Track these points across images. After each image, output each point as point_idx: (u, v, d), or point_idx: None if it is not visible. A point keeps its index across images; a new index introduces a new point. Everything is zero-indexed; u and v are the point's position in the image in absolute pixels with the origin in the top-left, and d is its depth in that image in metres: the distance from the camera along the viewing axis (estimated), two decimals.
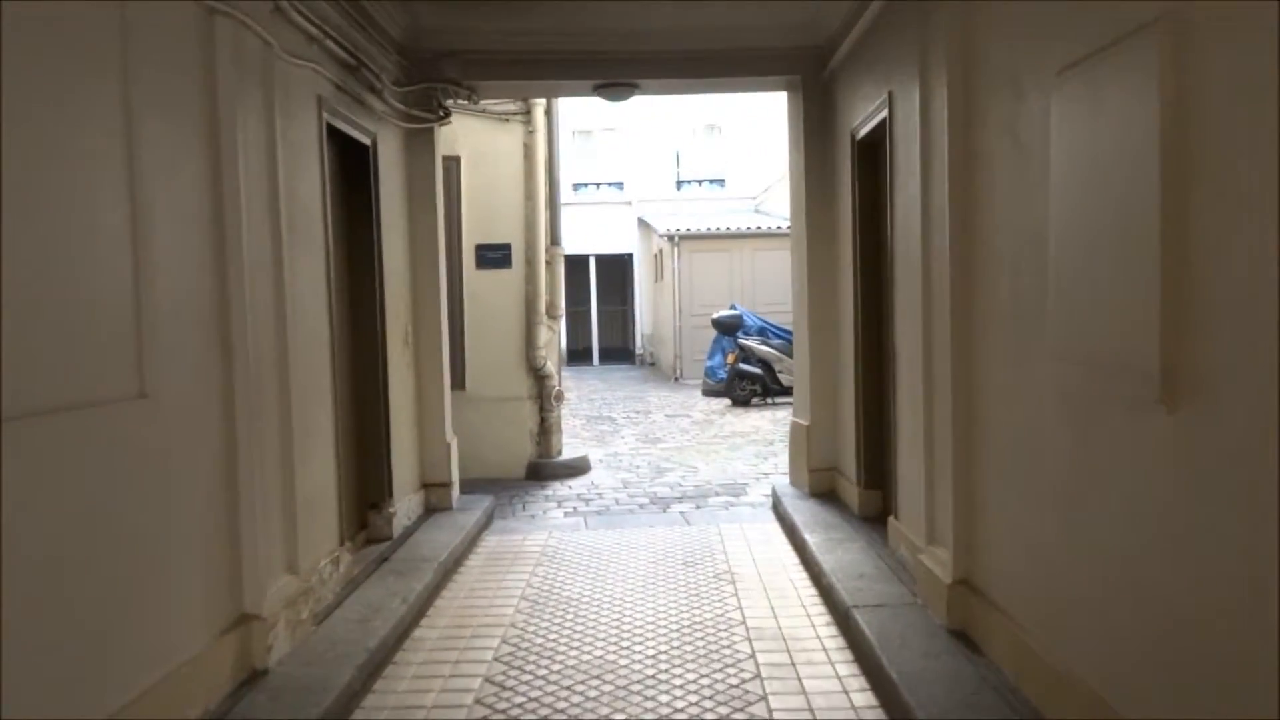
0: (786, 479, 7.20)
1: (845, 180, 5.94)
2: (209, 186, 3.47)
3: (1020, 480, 3.37)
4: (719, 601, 4.83)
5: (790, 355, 14.54)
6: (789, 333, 15.81)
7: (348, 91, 5.08)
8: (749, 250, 18.18)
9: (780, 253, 18.12)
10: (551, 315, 8.44)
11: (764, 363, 13.89)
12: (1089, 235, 2.76)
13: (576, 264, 23.20)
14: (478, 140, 8.19)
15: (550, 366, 8.36)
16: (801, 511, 6.04)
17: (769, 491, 7.44)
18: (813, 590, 4.93)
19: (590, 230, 22.85)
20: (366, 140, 5.35)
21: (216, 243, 3.50)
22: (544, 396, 8.37)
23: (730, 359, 14.02)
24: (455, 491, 6.60)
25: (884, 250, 5.47)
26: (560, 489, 7.91)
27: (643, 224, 21.90)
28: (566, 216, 22.55)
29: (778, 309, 17.16)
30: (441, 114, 6.39)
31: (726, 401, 14.05)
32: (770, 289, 17.85)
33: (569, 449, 9.34)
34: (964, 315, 3.84)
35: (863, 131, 5.53)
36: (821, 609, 4.65)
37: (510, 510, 7.10)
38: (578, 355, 23.92)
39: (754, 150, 22.41)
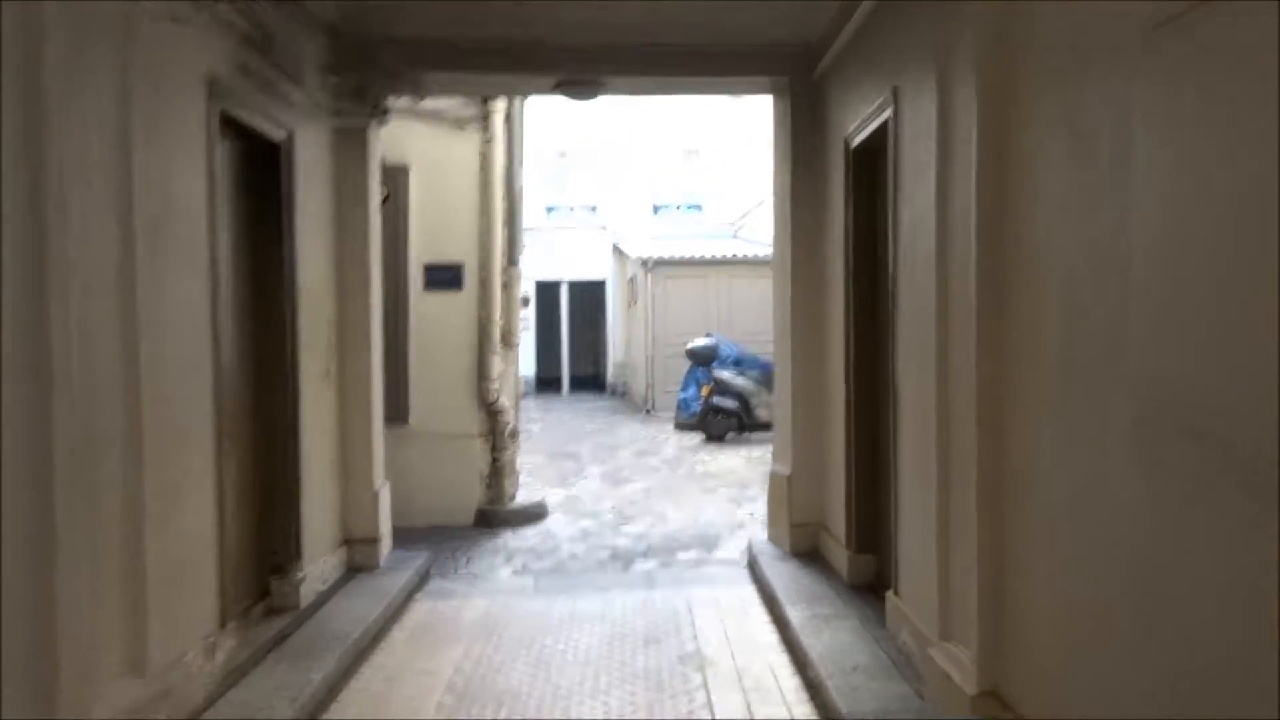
0: (764, 534, 6.38)
1: (837, 194, 5.19)
2: (23, 176, 2.63)
3: (1077, 567, 2.58)
4: (685, 696, 3.99)
5: (769, 388, 13.78)
6: (768, 364, 15.09)
7: (255, 76, 4.26)
8: (726, 278, 17.45)
9: (759, 280, 17.42)
10: (507, 343, 7.61)
11: (740, 396, 13.11)
12: (1203, 256, 1.99)
13: (548, 290, 22.41)
14: (428, 148, 7.39)
15: (504, 400, 7.52)
16: (782, 576, 5.22)
17: (745, 547, 6.63)
18: (796, 681, 4.10)
19: (563, 255, 22.07)
20: (279, 136, 4.53)
21: (31, 249, 2.66)
22: (497, 434, 7.52)
23: (705, 391, 13.23)
24: (385, 547, 5.72)
25: (882, 272, 4.71)
26: (511, 539, 7.04)
27: (617, 250, 21.17)
28: (538, 241, 21.83)
29: (756, 339, 16.41)
30: (379, 111, 5.58)
31: (700, 436, 13.24)
32: (748, 318, 17.12)
33: (526, 491, 8.48)
34: (994, 349, 3.06)
35: (859, 138, 4.78)
36: (809, 711, 3.81)
37: (451, 566, 6.23)
38: (547, 384, 23.05)
39: (733, 176, 21.77)
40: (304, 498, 4.69)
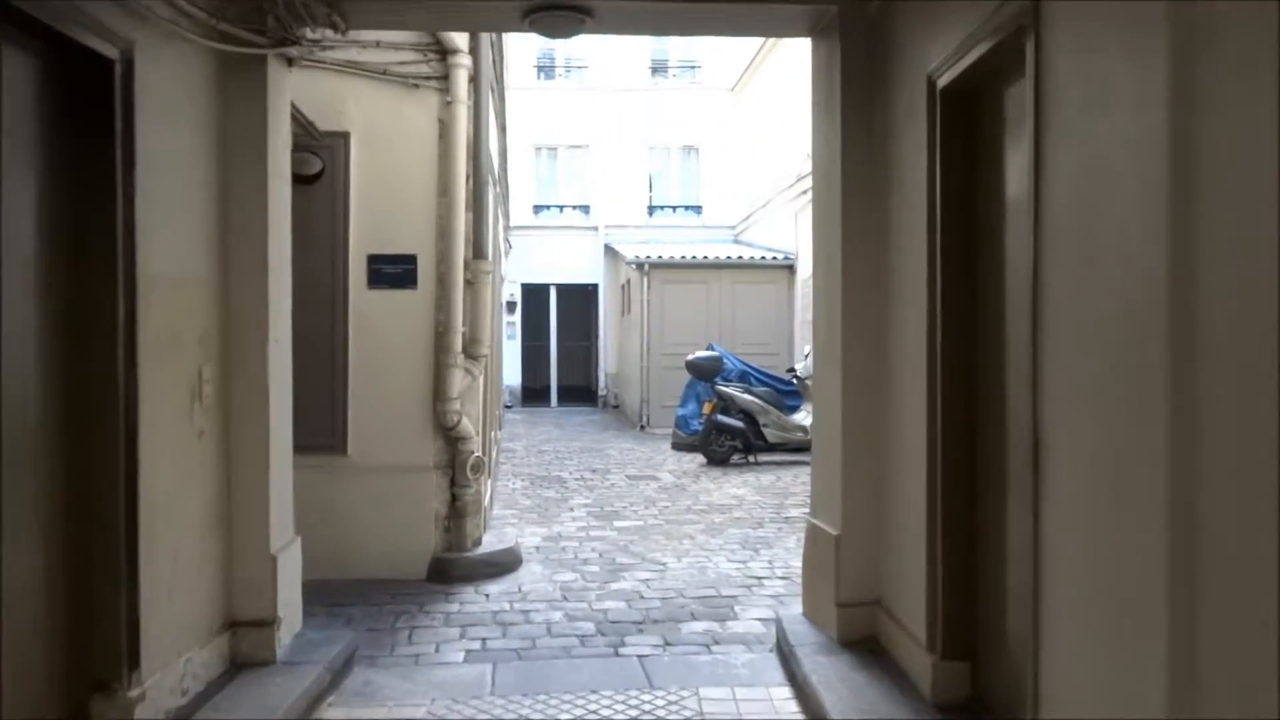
0: (797, 606, 4.93)
1: (913, 157, 3.77)
2: None
3: None
4: None
5: (778, 407, 12.39)
6: (776, 379, 13.63)
7: None
8: (729, 283, 16.04)
9: (765, 286, 16.04)
10: (471, 354, 6.16)
11: (747, 414, 11.67)
12: None
13: (535, 294, 21.00)
14: (375, 113, 5.96)
15: (467, 425, 6.06)
16: (831, 683, 3.77)
17: (768, 617, 5.19)
18: None
19: (552, 257, 20.67)
20: (110, 51, 3.08)
21: None
22: (457, 466, 6.07)
23: (707, 409, 11.79)
24: (289, 629, 4.24)
25: (991, 262, 3.29)
26: (472, 600, 5.58)
27: (610, 251, 19.75)
28: (526, 242, 20.49)
29: (760, 352, 15.04)
30: (288, 43, 4.13)
31: (701, 459, 11.79)
32: (753, 328, 15.73)
33: (496, 530, 7.04)
34: None
35: (952, 73, 3.37)
36: None
37: (387, 644, 4.77)
38: (534, 394, 21.60)
39: (735, 175, 20.39)
40: (146, 576, 3.22)
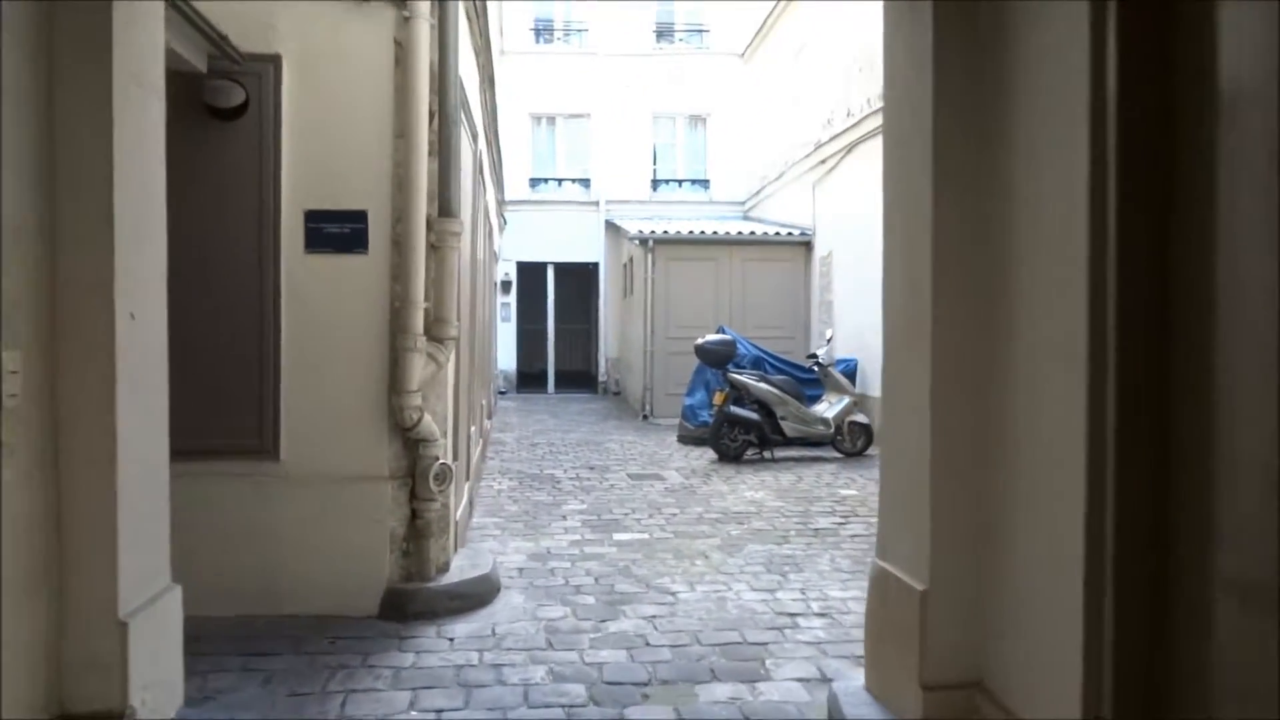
0: (846, 662, 3.75)
1: (1060, 47, 2.54)
2: None
3: None
4: None
5: (797, 397, 11.15)
6: (794, 366, 12.39)
7: None
8: (740, 261, 14.81)
9: (779, 265, 14.79)
10: (436, 336, 4.96)
11: (762, 405, 10.47)
12: None
13: (532, 273, 19.78)
14: (313, 29, 4.75)
15: (430, 425, 4.86)
16: None
17: (811, 676, 4.03)
18: None
19: (549, 234, 19.44)
20: None
21: None
22: (418, 476, 4.87)
23: (719, 399, 10.58)
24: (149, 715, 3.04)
25: (1202, 199, 2.09)
26: (432, 647, 4.40)
27: (611, 227, 18.52)
28: (522, 218, 19.26)
29: (774, 336, 13.85)
30: None
31: (711, 454, 10.61)
32: (765, 310, 14.52)
33: (472, 548, 5.87)
34: None
35: None
36: None
37: (313, 716, 3.60)
38: (530, 380, 20.42)
39: (745, 147, 19.11)
40: None
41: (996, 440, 2.91)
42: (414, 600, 4.82)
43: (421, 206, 4.80)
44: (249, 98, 4.64)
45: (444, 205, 4.98)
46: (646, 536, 6.71)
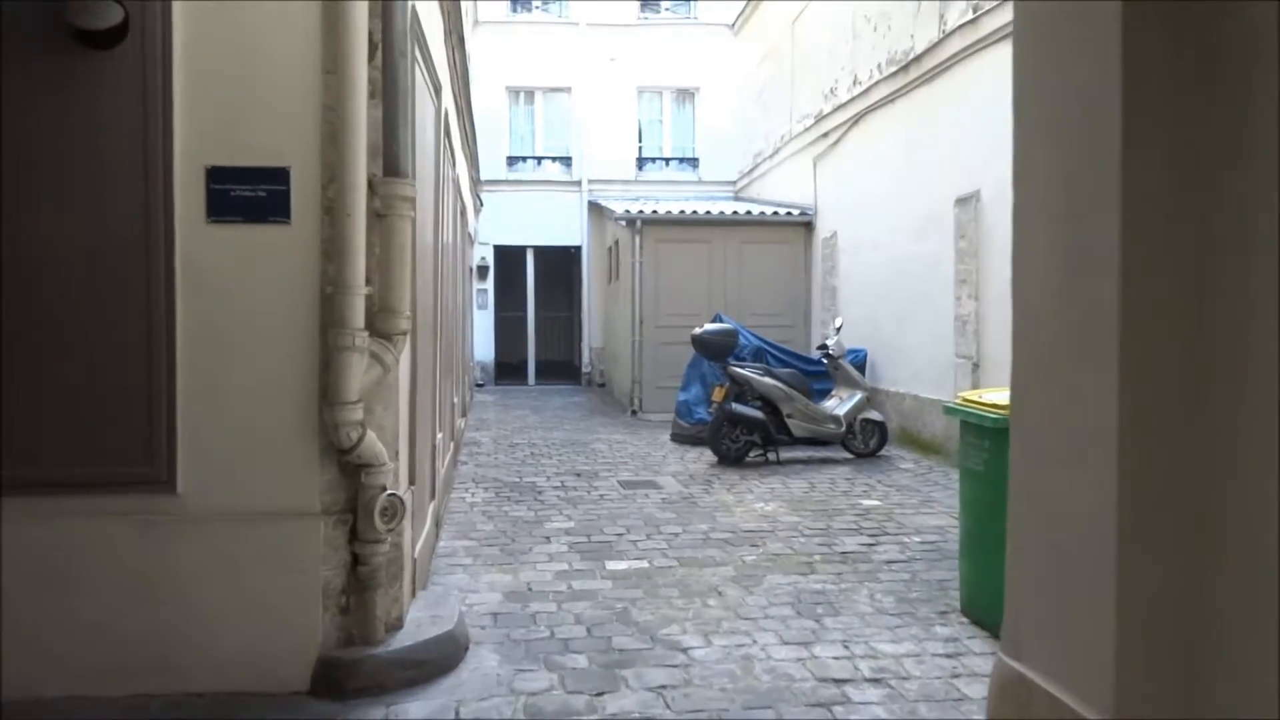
0: None
1: None
2: None
3: None
4: None
5: (804, 392, 10.09)
6: (800, 358, 11.28)
7: None
8: (735, 243, 13.73)
9: (777, 247, 13.71)
10: (383, 331, 3.86)
11: (766, 401, 9.42)
12: None
13: (510, 257, 18.65)
14: None
15: (375, 445, 3.77)
16: None
17: None
18: None
19: (528, 216, 18.29)
20: None
21: None
22: (361, 511, 3.78)
23: (718, 394, 9.52)
24: None
25: None
26: None
27: (595, 208, 17.40)
28: (499, 199, 18.03)
29: (772, 324, 12.82)
30: None
31: (709, 456, 9.56)
32: (761, 295, 13.48)
33: (435, 591, 4.79)
34: None
35: None
36: None
37: None
38: (510, 371, 19.30)
39: (736, 124, 18.02)
40: None
41: (1222, 497, 1.85)
42: (355, 672, 3.73)
43: (360, 163, 3.69)
44: (129, 18, 3.50)
45: (391, 162, 3.87)
46: (646, 565, 5.65)
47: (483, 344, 18.31)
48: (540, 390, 17.95)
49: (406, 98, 3.93)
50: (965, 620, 4.67)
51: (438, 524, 6.17)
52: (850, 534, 6.44)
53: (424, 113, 5.04)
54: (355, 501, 3.78)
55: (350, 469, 3.77)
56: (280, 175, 3.68)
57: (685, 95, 19.00)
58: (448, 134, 7.14)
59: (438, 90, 5.98)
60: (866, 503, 7.50)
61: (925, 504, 7.43)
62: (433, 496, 5.79)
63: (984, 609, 4.60)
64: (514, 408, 14.79)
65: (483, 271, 18.16)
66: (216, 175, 3.65)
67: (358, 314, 3.68)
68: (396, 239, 3.87)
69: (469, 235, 14.53)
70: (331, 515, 3.76)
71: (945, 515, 6.99)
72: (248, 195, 3.67)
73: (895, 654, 4.21)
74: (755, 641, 4.35)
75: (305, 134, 3.70)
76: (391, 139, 3.87)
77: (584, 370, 19.00)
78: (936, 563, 5.73)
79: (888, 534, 6.45)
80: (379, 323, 3.83)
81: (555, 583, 5.27)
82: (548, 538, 6.31)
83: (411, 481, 4.44)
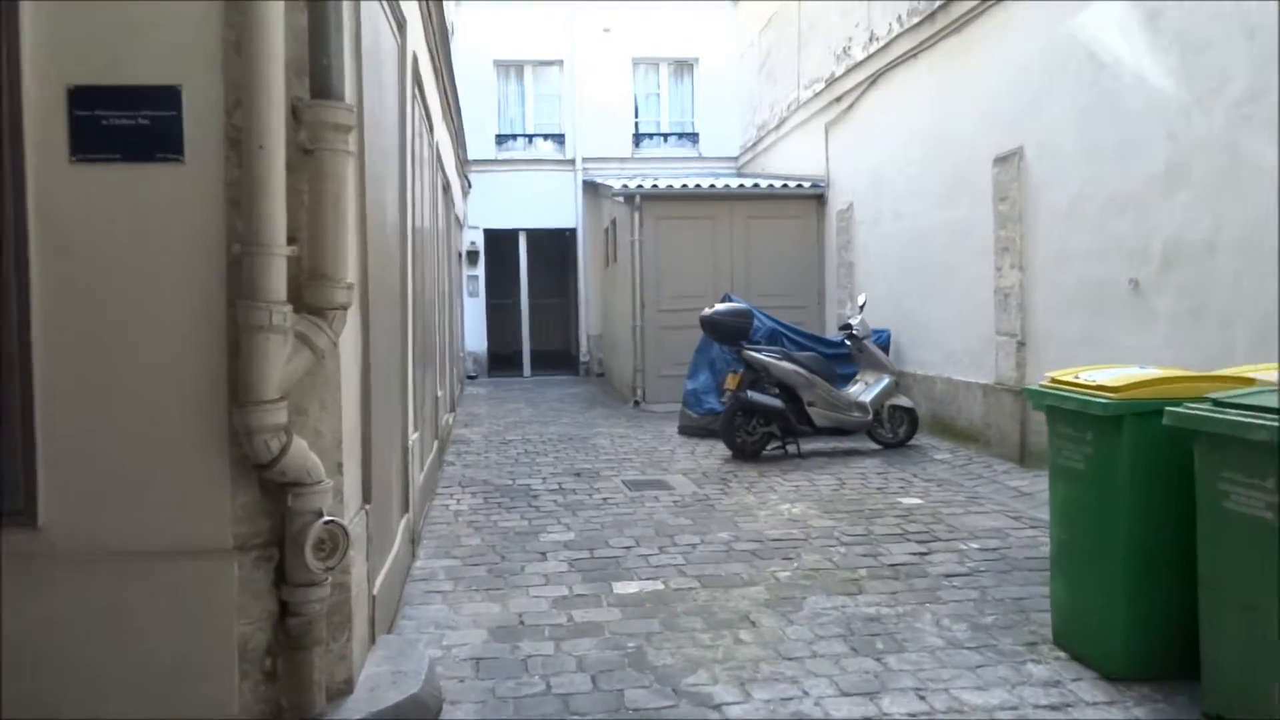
0: None
1: None
2: None
3: None
4: None
5: (827, 377, 9.15)
6: (819, 341, 10.29)
7: None
8: (741, 218, 12.77)
9: (787, 222, 12.73)
10: (314, 304, 2.91)
11: (785, 388, 8.48)
12: None
13: (501, 241, 17.68)
14: None
15: (304, 456, 2.82)
16: None
17: None
18: None
19: (520, 198, 17.31)
20: None
21: None
22: (289, 543, 2.83)
23: (731, 382, 8.57)
24: None
25: None
26: None
27: (590, 187, 16.41)
28: (488, 180, 16.95)
29: (783, 305, 11.88)
30: None
31: (723, 450, 8.63)
32: (771, 274, 12.54)
33: (403, 633, 3.86)
34: None
35: None
36: None
37: None
38: (503, 362, 18.35)
39: (738, 96, 17.03)
40: None
41: None
42: None
43: (277, 81, 2.75)
44: None
45: (320, 80, 2.91)
46: (661, 586, 4.72)
47: (474, 334, 17.36)
48: (535, 381, 17.00)
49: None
50: (1062, 654, 3.76)
51: (414, 541, 5.24)
52: (896, 541, 5.52)
53: (379, 41, 4.08)
54: (282, 532, 2.84)
55: (274, 489, 2.83)
56: (169, 97, 2.74)
57: (683, 67, 17.99)
58: (419, 86, 6.18)
59: (400, 26, 5.03)
60: (906, 501, 6.58)
61: (973, 501, 6.51)
62: (406, 510, 4.86)
63: (1082, 638, 3.70)
64: (507, 400, 13.85)
65: (473, 257, 17.19)
66: (83, 98, 2.71)
67: (276, 282, 2.74)
68: (331, 182, 2.92)
69: (456, 218, 13.57)
70: (249, 552, 2.83)
71: (999, 515, 6.07)
72: (125, 124, 2.73)
73: (985, 706, 3.29)
74: (807, 693, 3.42)
75: (201, 43, 2.76)
76: (321, 50, 2.91)
77: (581, 360, 18.05)
78: (1005, 575, 4.81)
79: (939, 540, 5.53)
80: (308, 294, 2.89)
81: (552, 613, 4.34)
82: (544, 554, 5.37)
83: (367, 500, 3.50)
